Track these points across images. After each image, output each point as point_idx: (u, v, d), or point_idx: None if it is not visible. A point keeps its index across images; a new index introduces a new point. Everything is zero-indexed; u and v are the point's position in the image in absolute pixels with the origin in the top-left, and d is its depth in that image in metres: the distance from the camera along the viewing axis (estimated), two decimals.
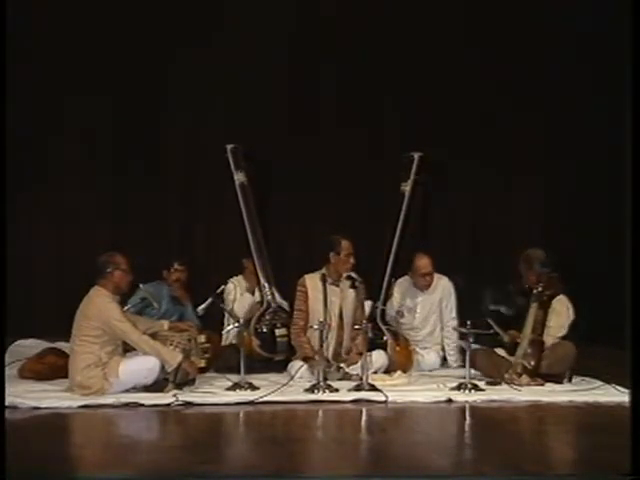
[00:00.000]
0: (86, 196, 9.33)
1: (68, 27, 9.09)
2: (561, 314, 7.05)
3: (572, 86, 9.38)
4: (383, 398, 6.25)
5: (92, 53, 9.12)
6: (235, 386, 6.59)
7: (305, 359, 7.04)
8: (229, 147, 7.86)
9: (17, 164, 8.53)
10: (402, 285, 7.83)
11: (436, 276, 7.80)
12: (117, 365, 6.35)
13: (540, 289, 6.97)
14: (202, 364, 7.01)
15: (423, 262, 7.74)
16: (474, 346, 6.88)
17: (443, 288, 7.80)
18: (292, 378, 6.86)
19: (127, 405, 6.09)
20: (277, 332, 7.47)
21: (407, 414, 6.06)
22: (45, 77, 9.16)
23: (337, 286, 7.21)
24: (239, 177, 7.84)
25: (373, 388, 6.46)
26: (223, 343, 7.55)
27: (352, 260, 7.24)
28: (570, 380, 6.86)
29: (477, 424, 5.84)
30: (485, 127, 9.39)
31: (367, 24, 9.31)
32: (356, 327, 7.03)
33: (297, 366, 7.06)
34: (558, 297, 7.03)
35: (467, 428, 5.81)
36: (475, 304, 7.42)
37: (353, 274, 7.23)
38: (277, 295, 7.63)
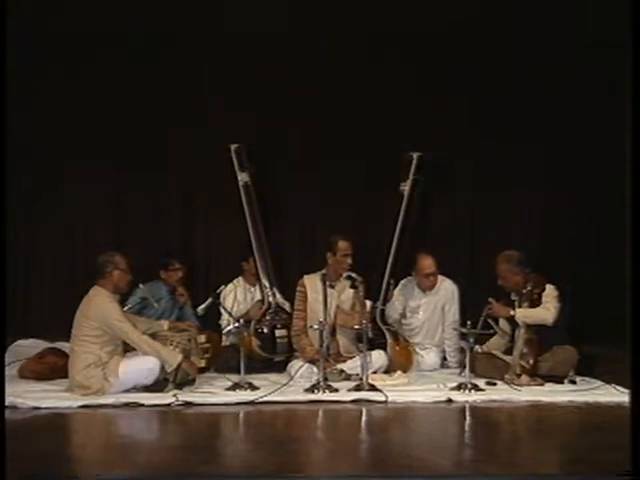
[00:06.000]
0: (86, 196, 9.32)
1: (70, 34, 9.08)
2: (554, 300, 7.05)
3: (572, 85, 9.38)
4: (383, 398, 6.25)
5: (93, 51, 9.12)
6: (235, 386, 6.60)
7: (311, 362, 7.03)
8: (233, 147, 7.81)
9: (17, 164, 8.53)
10: (405, 286, 7.83)
11: (440, 278, 7.79)
12: (117, 365, 6.35)
13: (529, 288, 6.99)
14: (202, 364, 7.04)
15: (427, 262, 7.73)
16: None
17: (446, 291, 7.77)
18: (292, 378, 6.87)
19: (127, 405, 6.09)
20: (277, 333, 7.45)
21: (407, 414, 6.06)
22: (46, 77, 9.15)
23: (333, 287, 7.20)
24: (243, 177, 7.78)
25: (373, 388, 6.47)
26: (223, 343, 7.54)
27: (349, 260, 7.25)
28: (575, 383, 6.84)
29: (477, 424, 5.85)
30: (485, 127, 9.38)
31: (368, 23, 9.30)
32: (356, 327, 7.02)
33: (297, 366, 7.07)
34: (547, 291, 7.05)
35: (467, 428, 5.81)
36: (474, 304, 7.43)
37: (353, 274, 7.23)
38: (278, 296, 7.62)
